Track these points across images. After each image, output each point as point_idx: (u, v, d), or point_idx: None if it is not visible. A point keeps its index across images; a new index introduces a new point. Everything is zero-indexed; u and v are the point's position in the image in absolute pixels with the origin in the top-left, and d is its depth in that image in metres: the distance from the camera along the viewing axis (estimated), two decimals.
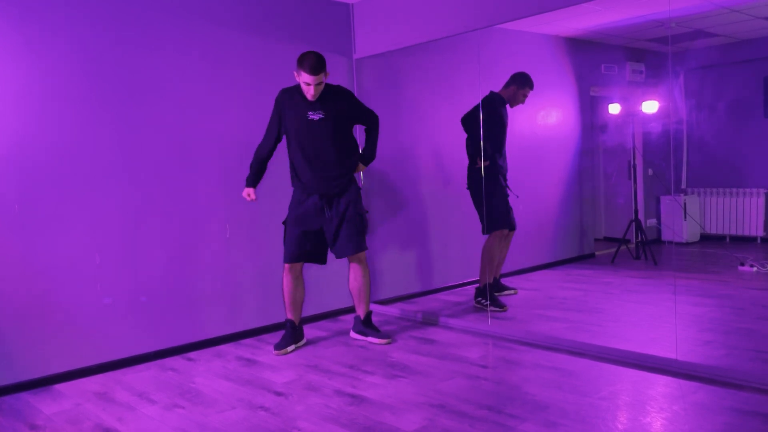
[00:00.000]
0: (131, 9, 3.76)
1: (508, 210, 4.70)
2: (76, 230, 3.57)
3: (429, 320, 4.48)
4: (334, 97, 3.81)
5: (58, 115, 3.51)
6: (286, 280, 3.93)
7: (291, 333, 3.93)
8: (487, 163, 4.58)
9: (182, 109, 3.98)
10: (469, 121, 4.69)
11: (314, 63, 3.60)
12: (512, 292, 4.91)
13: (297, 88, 3.79)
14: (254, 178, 3.89)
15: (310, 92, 3.67)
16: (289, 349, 3.87)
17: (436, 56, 5.27)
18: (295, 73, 3.70)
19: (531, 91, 4.71)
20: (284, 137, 3.86)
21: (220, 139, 4.15)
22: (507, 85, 4.72)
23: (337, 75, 4.61)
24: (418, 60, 5.19)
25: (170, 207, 3.93)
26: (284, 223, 3.93)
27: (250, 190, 3.89)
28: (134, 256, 3.78)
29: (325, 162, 3.80)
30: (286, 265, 3.91)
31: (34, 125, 3.44)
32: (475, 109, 4.68)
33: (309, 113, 3.74)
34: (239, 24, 4.23)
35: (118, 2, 3.71)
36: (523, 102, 4.73)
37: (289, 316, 3.96)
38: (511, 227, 4.73)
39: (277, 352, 3.83)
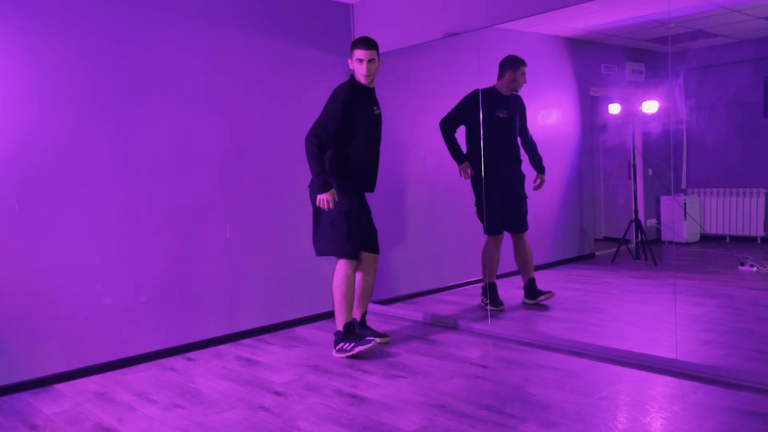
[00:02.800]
0: (131, 8, 3.76)
1: (494, 216, 4.61)
2: (76, 230, 3.58)
3: (429, 320, 4.49)
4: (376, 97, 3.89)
5: (57, 115, 3.51)
6: (348, 279, 3.70)
7: (355, 334, 3.76)
8: (472, 173, 4.61)
9: (182, 109, 3.98)
10: (443, 124, 4.73)
11: (368, 39, 3.70)
12: (549, 295, 4.76)
13: (353, 83, 3.71)
14: (328, 178, 3.62)
15: (363, 70, 3.66)
16: (376, 341, 3.69)
17: (436, 56, 5.27)
18: (349, 61, 3.72)
19: (525, 68, 4.64)
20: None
21: (220, 139, 4.15)
22: (500, 75, 4.65)
23: (337, 75, 4.61)
24: (418, 60, 5.19)
25: (170, 207, 3.93)
26: (334, 219, 3.68)
27: (329, 195, 3.59)
28: (134, 256, 3.78)
29: (375, 158, 3.84)
30: (349, 262, 3.71)
31: (33, 125, 3.44)
32: (452, 110, 4.70)
33: (374, 108, 3.77)
34: (239, 23, 4.23)
35: (117, 1, 3.71)
36: (525, 81, 4.64)
37: (347, 320, 3.74)
38: (491, 233, 4.65)
39: (362, 348, 3.63)
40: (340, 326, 3.75)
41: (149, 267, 3.85)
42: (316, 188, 3.61)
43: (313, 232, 3.80)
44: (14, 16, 3.37)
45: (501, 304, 4.63)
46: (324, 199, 3.60)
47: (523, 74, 4.63)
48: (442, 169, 5.38)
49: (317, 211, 3.74)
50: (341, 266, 3.73)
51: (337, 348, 3.72)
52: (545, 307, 4.65)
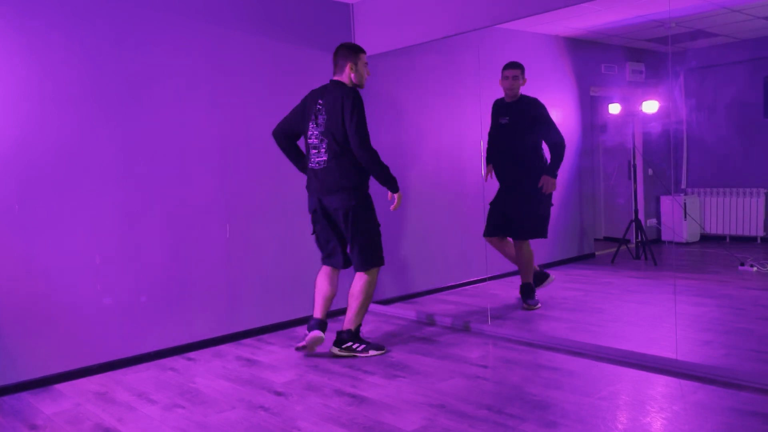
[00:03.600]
0: (131, 8, 3.76)
1: (490, 218, 4.73)
2: (76, 230, 3.58)
3: (429, 320, 4.49)
4: None
5: (58, 115, 3.51)
6: (375, 285, 3.81)
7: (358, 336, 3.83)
8: (490, 175, 4.67)
9: (182, 109, 3.98)
10: None
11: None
12: (532, 306, 4.69)
13: (356, 89, 3.73)
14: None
15: (367, 74, 3.77)
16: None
17: (436, 56, 5.27)
18: (351, 65, 3.68)
19: (510, 70, 4.56)
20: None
21: (220, 139, 4.15)
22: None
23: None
24: (418, 60, 5.19)
25: (170, 207, 3.93)
26: (377, 227, 3.75)
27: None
28: (134, 256, 3.78)
29: None
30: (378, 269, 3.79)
31: (34, 125, 3.44)
32: None
33: None
34: (240, 23, 4.23)
35: (117, 1, 3.71)
36: (508, 85, 4.56)
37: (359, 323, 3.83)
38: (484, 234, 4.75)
39: (376, 353, 3.74)
40: (351, 326, 3.73)
41: (149, 267, 3.85)
42: (395, 189, 3.69)
43: (359, 247, 3.67)
44: (14, 16, 3.37)
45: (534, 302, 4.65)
46: (400, 197, 3.74)
47: (506, 78, 4.57)
48: (442, 170, 5.39)
49: (365, 225, 3.67)
50: (376, 273, 3.75)
51: (344, 346, 3.72)
52: (545, 307, 4.64)
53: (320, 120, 3.66)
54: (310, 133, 3.70)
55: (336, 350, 3.74)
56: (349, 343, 3.72)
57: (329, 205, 3.66)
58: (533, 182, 4.59)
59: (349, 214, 3.63)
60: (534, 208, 4.64)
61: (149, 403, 3.12)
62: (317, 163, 3.67)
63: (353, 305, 3.72)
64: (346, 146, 3.59)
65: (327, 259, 3.84)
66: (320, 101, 3.68)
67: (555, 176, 4.60)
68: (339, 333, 3.78)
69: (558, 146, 4.64)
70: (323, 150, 3.65)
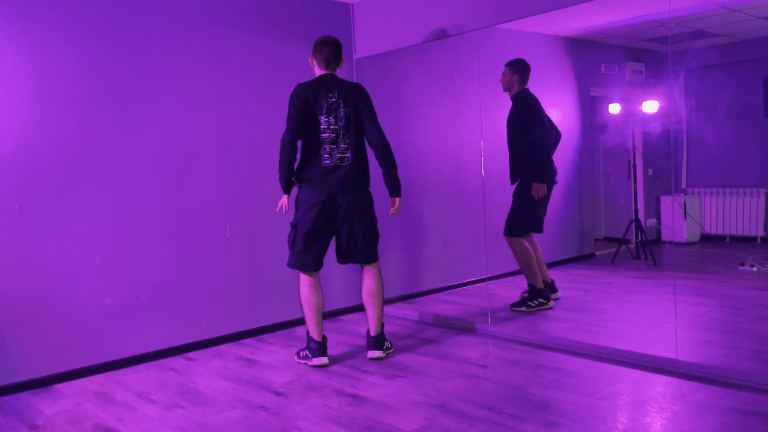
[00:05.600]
0: (131, 8, 3.76)
1: None
2: (76, 230, 3.58)
3: (429, 320, 4.49)
4: None
5: (58, 115, 3.52)
6: None
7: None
8: None
9: (182, 109, 3.98)
10: None
11: None
12: (519, 308, 4.69)
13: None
14: None
15: None
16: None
17: (436, 56, 5.27)
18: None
19: (506, 66, 4.57)
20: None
21: (220, 139, 4.15)
22: None
23: (338, 75, 4.60)
24: (418, 60, 5.19)
25: (170, 207, 3.93)
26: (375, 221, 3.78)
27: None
28: (134, 256, 3.79)
29: None
30: None
31: (34, 125, 3.44)
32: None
33: None
34: (240, 23, 4.23)
35: (117, 1, 3.71)
36: (501, 81, 4.60)
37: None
38: None
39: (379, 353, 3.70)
40: (380, 327, 3.72)
41: (149, 267, 3.85)
42: (400, 191, 3.77)
43: (371, 241, 3.69)
44: (14, 16, 3.37)
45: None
46: (401, 201, 3.81)
47: (503, 73, 4.59)
48: (442, 169, 5.38)
49: (373, 219, 3.73)
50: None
51: (385, 347, 3.71)
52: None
53: (341, 114, 3.51)
54: (323, 127, 3.50)
55: (381, 354, 3.67)
56: (386, 343, 3.74)
57: (345, 201, 3.54)
58: (516, 182, 4.62)
59: (364, 210, 3.63)
60: (512, 205, 4.64)
61: (149, 403, 3.12)
62: (339, 159, 3.51)
63: (379, 305, 3.69)
64: (363, 143, 3.62)
65: (305, 258, 3.60)
66: (331, 94, 3.51)
67: (539, 180, 4.50)
68: (376, 338, 3.68)
69: (529, 153, 4.53)
70: (343, 146, 3.53)
